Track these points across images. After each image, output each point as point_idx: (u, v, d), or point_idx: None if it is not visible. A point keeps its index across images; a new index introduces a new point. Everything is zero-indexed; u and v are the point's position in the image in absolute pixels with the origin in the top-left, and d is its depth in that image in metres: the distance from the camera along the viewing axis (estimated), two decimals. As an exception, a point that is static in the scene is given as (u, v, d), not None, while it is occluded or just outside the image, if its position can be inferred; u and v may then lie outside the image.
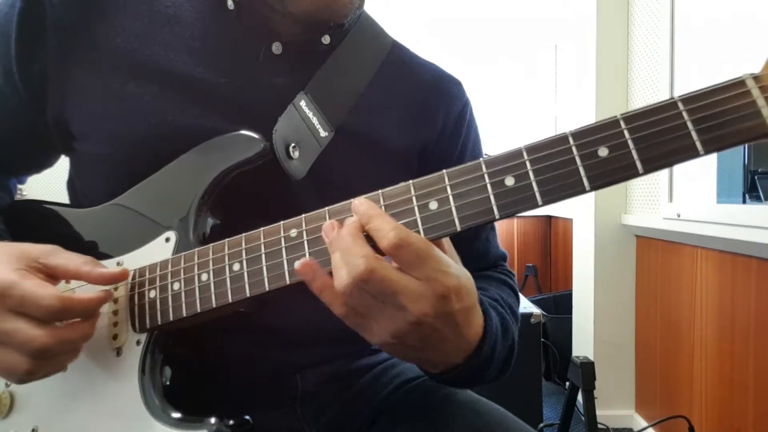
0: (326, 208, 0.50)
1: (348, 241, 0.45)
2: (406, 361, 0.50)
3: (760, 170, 1.81)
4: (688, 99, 0.40)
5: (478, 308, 0.51)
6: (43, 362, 0.52)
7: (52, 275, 0.55)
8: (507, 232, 4.16)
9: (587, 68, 2.40)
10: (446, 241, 0.49)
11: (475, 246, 0.76)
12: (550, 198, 0.42)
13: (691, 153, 0.39)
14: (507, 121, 4.16)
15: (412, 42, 0.80)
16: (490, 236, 0.78)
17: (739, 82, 0.38)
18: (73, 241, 0.63)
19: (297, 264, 0.47)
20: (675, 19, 1.99)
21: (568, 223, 3.55)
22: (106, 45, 0.62)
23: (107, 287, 0.58)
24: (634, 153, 0.40)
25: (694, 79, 1.93)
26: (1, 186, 0.74)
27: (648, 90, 2.16)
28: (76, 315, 0.53)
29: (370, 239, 0.45)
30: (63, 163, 0.71)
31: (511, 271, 0.79)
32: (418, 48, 0.78)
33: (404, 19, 3.62)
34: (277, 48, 0.64)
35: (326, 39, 0.66)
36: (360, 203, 0.47)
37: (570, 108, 3.53)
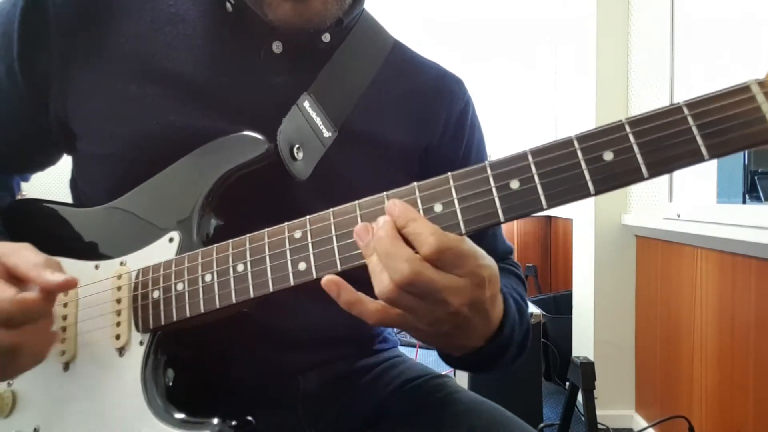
0: (330, 210, 0.50)
1: (387, 244, 0.44)
2: (429, 345, 0.51)
3: (760, 170, 1.82)
4: (692, 104, 0.40)
5: (500, 294, 0.53)
6: (11, 357, 0.50)
7: (13, 275, 0.52)
8: (507, 232, 4.14)
9: (587, 69, 2.40)
10: None
11: (483, 242, 0.76)
12: (555, 202, 0.43)
13: (696, 158, 0.39)
14: (507, 121, 4.17)
15: (412, 42, 0.80)
16: (497, 231, 0.79)
17: (744, 88, 0.38)
18: (76, 241, 0.63)
19: (323, 280, 0.46)
20: (675, 19, 2.00)
21: (568, 223, 3.55)
22: (110, 46, 0.62)
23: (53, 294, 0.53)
24: (639, 157, 0.40)
25: (694, 79, 1.93)
26: (2, 185, 0.74)
27: (648, 90, 2.16)
28: (26, 320, 0.50)
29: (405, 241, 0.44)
30: (65, 163, 0.71)
31: (517, 263, 0.80)
32: (418, 48, 0.78)
33: (404, 19, 3.62)
34: (277, 47, 0.64)
35: (326, 37, 0.66)
36: (395, 205, 0.46)
37: (570, 108, 3.52)
